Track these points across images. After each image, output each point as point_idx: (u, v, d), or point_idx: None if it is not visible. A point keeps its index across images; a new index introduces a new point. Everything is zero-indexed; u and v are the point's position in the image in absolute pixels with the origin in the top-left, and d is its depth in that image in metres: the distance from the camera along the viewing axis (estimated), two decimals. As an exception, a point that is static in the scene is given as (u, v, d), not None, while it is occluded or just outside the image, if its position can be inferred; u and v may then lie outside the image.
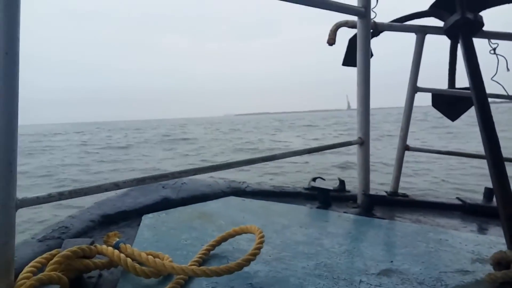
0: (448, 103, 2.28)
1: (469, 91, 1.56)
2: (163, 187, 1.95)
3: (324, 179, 2.09)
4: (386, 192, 2.05)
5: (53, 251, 1.11)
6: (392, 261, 1.27)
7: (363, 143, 1.84)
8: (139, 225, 1.56)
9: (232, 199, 1.92)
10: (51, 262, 1.01)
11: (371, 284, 1.11)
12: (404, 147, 2.12)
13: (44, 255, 1.09)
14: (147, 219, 1.59)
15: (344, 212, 1.79)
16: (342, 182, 2.09)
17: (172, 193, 1.90)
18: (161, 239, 1.41)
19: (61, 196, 0.99)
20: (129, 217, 1.68)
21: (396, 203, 2.03)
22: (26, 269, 1.01)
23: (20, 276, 0.97)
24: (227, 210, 1.75)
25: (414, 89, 2.08)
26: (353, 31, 2.10)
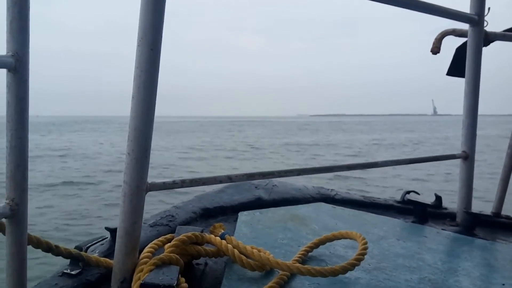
0: None
1: None
2: (256, 187, 2.00)
3: (418, 193, 2.00)
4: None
5: (168, 236, 1.20)
6: (504, 284, 1.18)
7: (468, 157, 1.74)
8: (235, 221, 1.62)
9: (323, 205, 1.91)
10: (169, 244, 1.10)
11: None
12: None
13: (160, 238, 1.18)
14: (243, 216, 1.65)
15: (443, 229, 1.70)
16: (438, 198, 1.98)
17: (264, 194, 1.95)
18: (258, 236, 1.45)
19: (183, 183, 1.07)
20: (226, 213, 1.76)
21: (499, 225, 1.88)
22: (146, 249, 1.10)
23: (142, 255, 1.06)
24: (318, 215, 1.75)
25: None
26: (458, 40, 2.00)
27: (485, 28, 1.88)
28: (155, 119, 0.99)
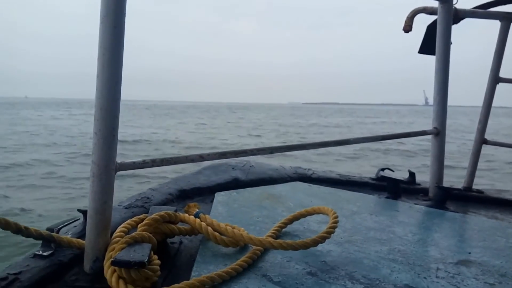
0: None
1: None
2: (233, 168, 2.01)
3: (392, 170, 2.04)
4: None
5: (141, 216, 1.20)
6: (470, 253, 1.22)
7: (439, 133, 1.78)
8: (211, 201, 1.63)
9: (299, 184, 1.94)
10: (142, 223, 1.10)
11: (449, 272, 1.08)
12: (482, 141, 2.01)
13: (134, 218, 1.18)
14: (220, 196, 1.66)
15: (415, 204, 1.74)
16: (412, 174, 2.03)
17: (241, 175, 1.97)
18: (234, 214, 1.47)
19: (153, 163, 1.07)
20: (203, 194, 1.77)
21: (470, 199, 1.94)
22: (119, 229, 1.10)
23: (115, 234, 1.06)
24: (295, 194, 1.78)
25: (495, 79, 1.96)
26: (430, 18, 2.02)
27: (455, 5, 1.91)
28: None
